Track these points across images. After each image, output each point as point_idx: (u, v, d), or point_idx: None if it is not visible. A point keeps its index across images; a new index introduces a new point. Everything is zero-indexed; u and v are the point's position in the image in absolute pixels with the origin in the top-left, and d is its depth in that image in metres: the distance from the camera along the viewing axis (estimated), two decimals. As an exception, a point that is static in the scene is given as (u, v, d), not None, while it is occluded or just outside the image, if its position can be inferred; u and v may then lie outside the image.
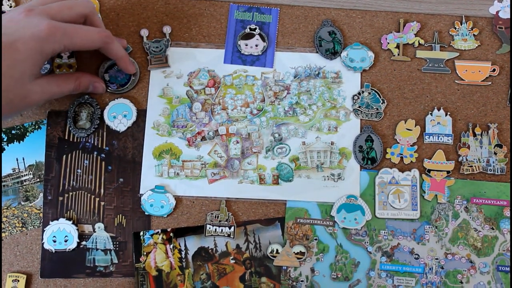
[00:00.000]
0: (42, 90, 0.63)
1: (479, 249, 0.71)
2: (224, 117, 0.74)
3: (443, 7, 0.78)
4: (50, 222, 0.70)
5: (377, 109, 0.74)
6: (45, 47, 0.60)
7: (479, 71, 0.75)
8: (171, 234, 0.71)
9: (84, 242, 0.70)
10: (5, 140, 0.73)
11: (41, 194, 0.72)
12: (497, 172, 0.72)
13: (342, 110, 0.74)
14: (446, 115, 0.74)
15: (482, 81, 0.75)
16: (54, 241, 0.69)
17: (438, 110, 0.74)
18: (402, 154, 0.73)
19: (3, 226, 0.71)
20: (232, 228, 0.70)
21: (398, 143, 0.73)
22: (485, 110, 0.75)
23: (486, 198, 0.72)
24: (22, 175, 0.72)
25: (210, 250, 0.71)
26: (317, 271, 0.70)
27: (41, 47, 0.60)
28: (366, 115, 0.74)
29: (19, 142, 0.73)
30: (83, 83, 0.69)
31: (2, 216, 0.71)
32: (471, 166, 0.72)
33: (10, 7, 0.75)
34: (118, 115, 0.73)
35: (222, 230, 0.70)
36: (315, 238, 0.71)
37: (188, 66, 0.75)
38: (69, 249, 0.69)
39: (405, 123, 0.74)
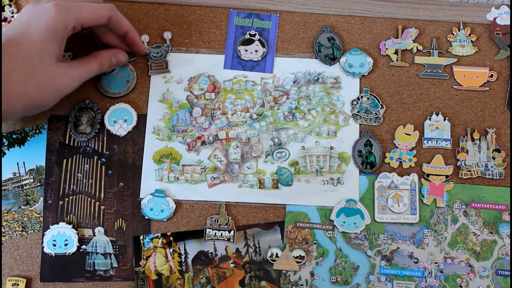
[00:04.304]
0: (68, 72, 0.64)
1: (478, 253, 0.71)
2: (224, 122, 0.74)
3: (441, 14, 0.79)
4: (50, 226, 0.70)
5: (376, 114, 0.74)
6: (56, 23, 0.62)
7: (477, 76, 0.76)
8: (171, 238, 0.71)
9: (84, 246, 0.70)
10: (6, 144, 0.73)
11: (42, 198, 0.72)
12: (496, 176, 0.73)
13: (341, 115, 0.75)
14: (444, 120, 0.74)
15: (480, 86, 0.76)
16: (54, 245, 0.69)
17: (437, 115, 0.74)
18: (401, 159, 0.73)
19: (3, 230, 0.71)
20: (232, 232, 0.71)
21: (397, 147, 0.73)
22: (483, 115, 0.75)
23: (485, 203, 0.72)
24: (22, 179, 0.73)
25: (209, 254, 0.71)
26: (317, 275, 0.70)
27: (53, 24, 0.62)
28: (365, 120, 0.74)
29: (20, 147, 0.73)
30: (105, 59, 0.70)
31: (2, 220, 0.71)
32: (470, 171, 0.73)
33: (12, 13, 0.76)
34: (119, 120, 0.73)
35: (221, 234, 0.71)
36: (314, 242, 0.71)
37: (188, 72, 0.76)
38: (69, 253, 0.70)
39: (404, 128, 0.74)
